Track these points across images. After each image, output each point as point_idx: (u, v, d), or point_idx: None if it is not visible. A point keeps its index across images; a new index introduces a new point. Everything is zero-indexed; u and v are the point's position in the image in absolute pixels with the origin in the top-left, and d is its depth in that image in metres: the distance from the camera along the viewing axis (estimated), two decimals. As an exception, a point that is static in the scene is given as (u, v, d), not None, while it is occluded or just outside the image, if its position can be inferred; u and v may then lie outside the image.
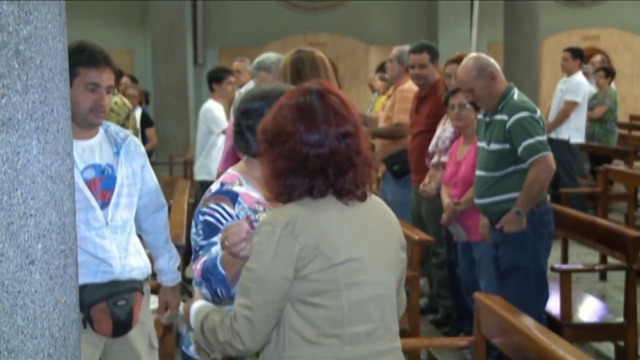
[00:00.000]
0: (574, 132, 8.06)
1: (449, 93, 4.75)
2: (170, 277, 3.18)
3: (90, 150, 2.91)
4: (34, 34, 1.62)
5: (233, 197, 2.36)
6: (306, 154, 1.99)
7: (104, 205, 2.88)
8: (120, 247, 2.89)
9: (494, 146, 4.14)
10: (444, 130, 5.06)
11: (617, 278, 6.14)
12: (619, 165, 8.63)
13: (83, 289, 2.63)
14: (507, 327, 3.02)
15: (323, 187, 2.01)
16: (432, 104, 5.33)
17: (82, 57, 2.87)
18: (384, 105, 6.09)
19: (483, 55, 4.29)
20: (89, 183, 2.87)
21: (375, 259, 2.05)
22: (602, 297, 5.98)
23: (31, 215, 1.65)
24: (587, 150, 9.00)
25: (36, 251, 1.65)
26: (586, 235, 4.95)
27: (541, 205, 4.14)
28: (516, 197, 4.08)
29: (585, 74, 8.83)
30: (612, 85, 9.43)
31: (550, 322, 4.28)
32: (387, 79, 7.09)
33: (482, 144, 4.27)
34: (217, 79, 6.90)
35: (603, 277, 6.59)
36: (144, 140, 7.53)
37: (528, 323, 2.97)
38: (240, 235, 2.06)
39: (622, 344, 4.50)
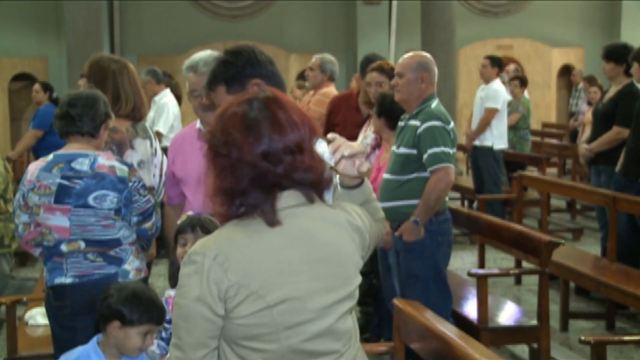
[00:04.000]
0: (497, 138, 8.24)
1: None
2: None
3: None
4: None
5: None
6: (250, 167, 1.81)
7: None
8: None
9: (402, 150, 4.22)
10: (365, 137, 5.11)
11: (531, 281, 6.30)
12: (532, 171, 8.87)
13: None
14: (425, 332, 3.06)
15: (265, 205, 1.82)
16: None
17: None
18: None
19: (432, 59, 4.36)
20: None
21: (319, 295, 1.84)
22: (517, 300, 6.13)
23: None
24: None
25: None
26: (502, 240, 5.06)
27: (439, 215, 4.22)
28: (416, 204, 4.14)
29: (503, 83, 9.06)
30: (525, 93, 9.69)
31: (467, 326, 4.35)
32: (306, 87, 7.12)
33: (393, 148, 4.34)
34: None
35: (518, 281, 6.75)
36: None
37: (446, 328, 3.02)
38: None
39: (535, 345, 4.62)
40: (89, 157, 3.26)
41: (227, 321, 1.78)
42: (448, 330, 2.97)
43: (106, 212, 3.20)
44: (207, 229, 2.83)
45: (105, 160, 3.28)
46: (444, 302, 4.25)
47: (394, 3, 13.55)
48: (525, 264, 6.10)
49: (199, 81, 3.22)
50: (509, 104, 8.92)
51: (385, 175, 4.33)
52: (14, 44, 13.11)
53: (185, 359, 1.79)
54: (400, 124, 4.37)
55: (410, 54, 4.40)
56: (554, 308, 5.54)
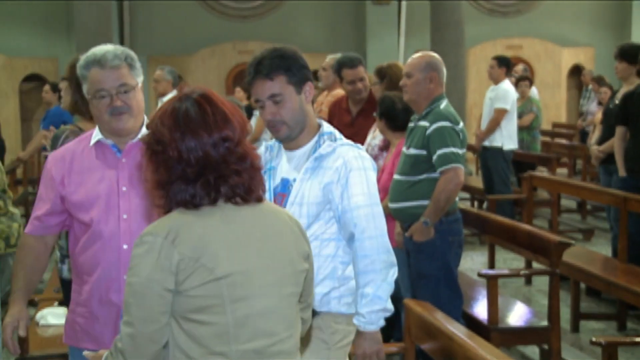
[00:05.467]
0: (507, 139, 8.22)
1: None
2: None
3: (290, 162, 2.80)
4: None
5: None
6: (183, 161, 1.92)
7: None
8: None
9: (412, 151, 4.22)
10: (374, 137, 5.11)
11: (542, 282, 6.28)
12: (542, 172, 8.84)
13: None
14: (435, 333, 3.06)
15: (204, 194, 1.93)
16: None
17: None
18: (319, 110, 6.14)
19: (440, 59, 4.37)
20: (275, 198, 2.78)
21: (264, 271, 1.95)
22: (527, 301, 6.12)
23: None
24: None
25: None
26: (512, 240, 5.05)
27: (450, 215, 4.21)
28: (426, 205, 4.14)
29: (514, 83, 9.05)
30: (534, 93, 9.67)
31: (478, 327, 4.35)
32: (320, 87, 7.13)
33: (403, 149, 4.35)
34: None
35: (528, 281, 6.74)
36: None
37: (456, 328, 3.01)
38: None
39: (546, 346, 4.60)
40: None
41: (178, 295, 1.87)
42: (458, 330, 2.97)
43: None
44: None
45: None
46: (455, 303, 4.24)
47: (403, 3, 13.54)
48: (535, 265, 6.08)
49: (107, 78, 2.68)
50: (520, 104, 8.91)
51: (395, 176, 4.33)
52: (25, 45, 13.16)
53: (135, 333, 1.88)
54: (410, 125, 4.37)
55: (418, 54, 4.40)
56: (565, 309, 5.51)
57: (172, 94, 7.89)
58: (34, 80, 13.10)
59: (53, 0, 13.26)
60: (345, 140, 2.77)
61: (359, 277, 2.70)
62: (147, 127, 2.01)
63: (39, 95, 10.16)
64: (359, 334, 2.74)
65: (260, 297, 1.93)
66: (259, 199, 2.01)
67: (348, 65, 5.43)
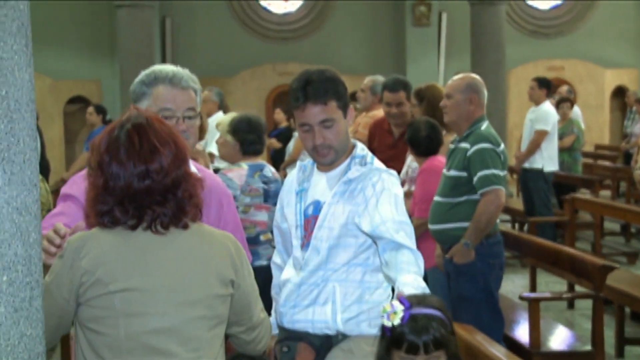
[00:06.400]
0: (547, 160, 8.15)
1: None
2: None
3: (322, 184, 2.75)
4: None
5: None
6: (106, 187, 1.99)
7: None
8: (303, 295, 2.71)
9: (452, 173, 4.21)
10: (413, 159, 5.09)
11: (585, 306, 6.18)
12: (584, 194, 8.73)
13: None
14: (477, 356, 3.02)
15: (122, 221, 2.00)
16: None
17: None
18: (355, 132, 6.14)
19: (481, 81, 4.37)
20: (307, 220, 2.74)
21: (168, 292, 1.99)
22: (570, 325, 6.02)
23: (-4, 247, 1.61)
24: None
25: (1, 283, 1.62)
26: (554, 263, 4.99)
27: (490, 237, 4.18)
28: (466, 227, 4.11)
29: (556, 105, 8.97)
30: (577, 113, 9.57)
31: (519, 350, 4.29)
32: (358, 108, 7.15)
33: (444, 170, 4.33)
34: None
35: (571, 305, 6.63)
36: None
37: (498, 351, 2.98)
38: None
39: (590, 371, 4.52)
40: (268, 167, 4.36)
41: (81, 304, 1.99)
42: (500, 353, 2.94)
43: None
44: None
45: (273, 169, 4.39)
46: (496, 326, 4.20)
47: (443, 25, 13.54)
48: (578, 288, 5.99)
49: (177, 97, 2.53)
50: (561, 126, 8.82)
51: (436, 198, 4.31)
52: (69, 68, 13.41)
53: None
54: (451, 146, 4.36)
55: (459, 75, 4.39)
56: (609, 333, 5.41)
57: (216, 115, 7.99)
58: (78, 102, 13.32)
59: (97, 24, 13.50)
60: (375, 164, 2.72)
61: (400, 265, 2.48)
62: (89, 148, 2.10)
63: (83, 117, 10.35)
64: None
65: (158, 316, 1.97)
66: (187, 226, 2.04)
67: (389, 87, 5.42)
